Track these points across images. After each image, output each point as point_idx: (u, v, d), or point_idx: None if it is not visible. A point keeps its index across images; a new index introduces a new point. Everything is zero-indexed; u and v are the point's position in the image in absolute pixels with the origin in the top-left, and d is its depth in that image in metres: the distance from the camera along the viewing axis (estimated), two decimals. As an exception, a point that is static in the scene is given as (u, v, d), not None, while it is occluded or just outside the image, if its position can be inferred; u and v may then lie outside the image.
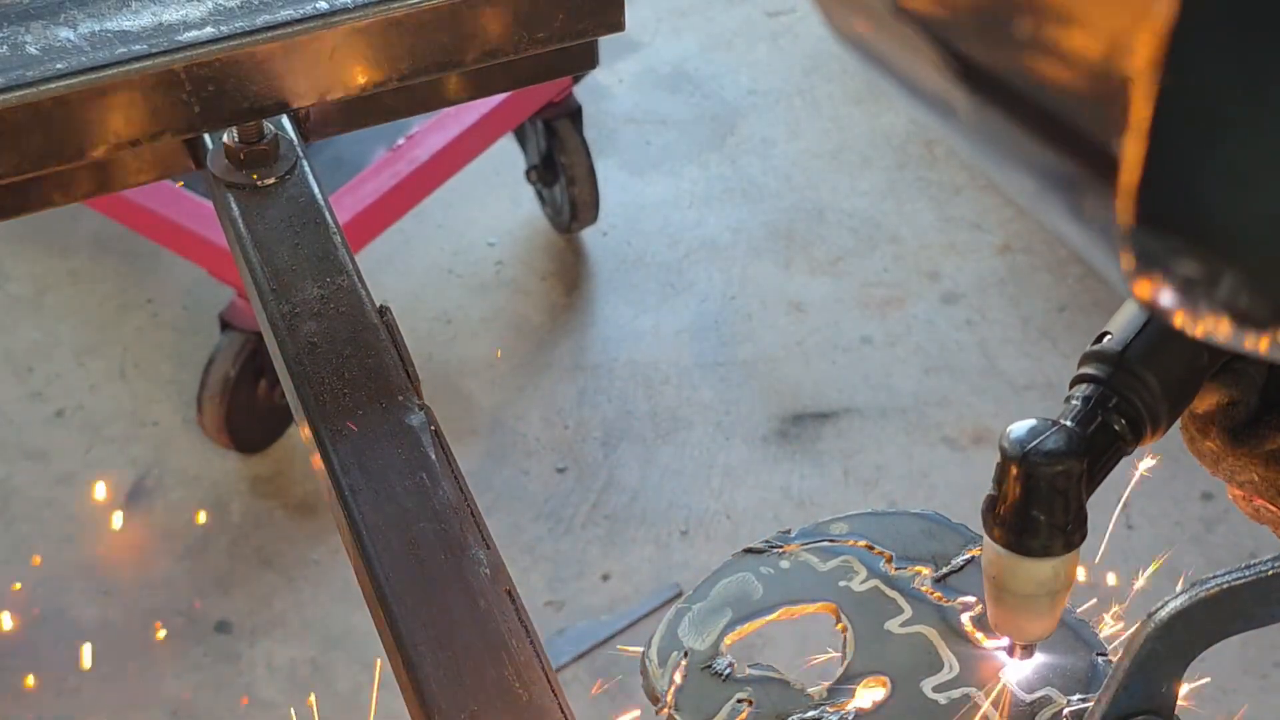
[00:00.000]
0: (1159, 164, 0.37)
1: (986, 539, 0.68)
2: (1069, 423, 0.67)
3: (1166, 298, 0.40)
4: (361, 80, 1.01)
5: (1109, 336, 0.69)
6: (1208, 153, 0.37)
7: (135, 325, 2.42)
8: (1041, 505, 0.65)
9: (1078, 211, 0.40)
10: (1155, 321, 0.67)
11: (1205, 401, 0.72)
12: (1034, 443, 0.65)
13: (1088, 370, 0.69)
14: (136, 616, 2.04)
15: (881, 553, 0.85)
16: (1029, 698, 0.77)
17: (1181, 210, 0.38)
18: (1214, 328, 0.40)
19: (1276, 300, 0.40)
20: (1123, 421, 0.67)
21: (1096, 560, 2.04)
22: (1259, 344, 0.41)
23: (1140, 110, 0.36)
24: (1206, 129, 0.37)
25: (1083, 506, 0.66)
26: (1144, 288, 0.40)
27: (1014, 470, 0.65)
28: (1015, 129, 0.41)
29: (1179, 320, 0.41)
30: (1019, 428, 0.66)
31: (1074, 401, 0.68)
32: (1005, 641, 0.78)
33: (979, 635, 0.80)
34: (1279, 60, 0.35)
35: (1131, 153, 0.37)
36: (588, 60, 1.14)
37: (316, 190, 1.07)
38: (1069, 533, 0.66)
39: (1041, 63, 0.38)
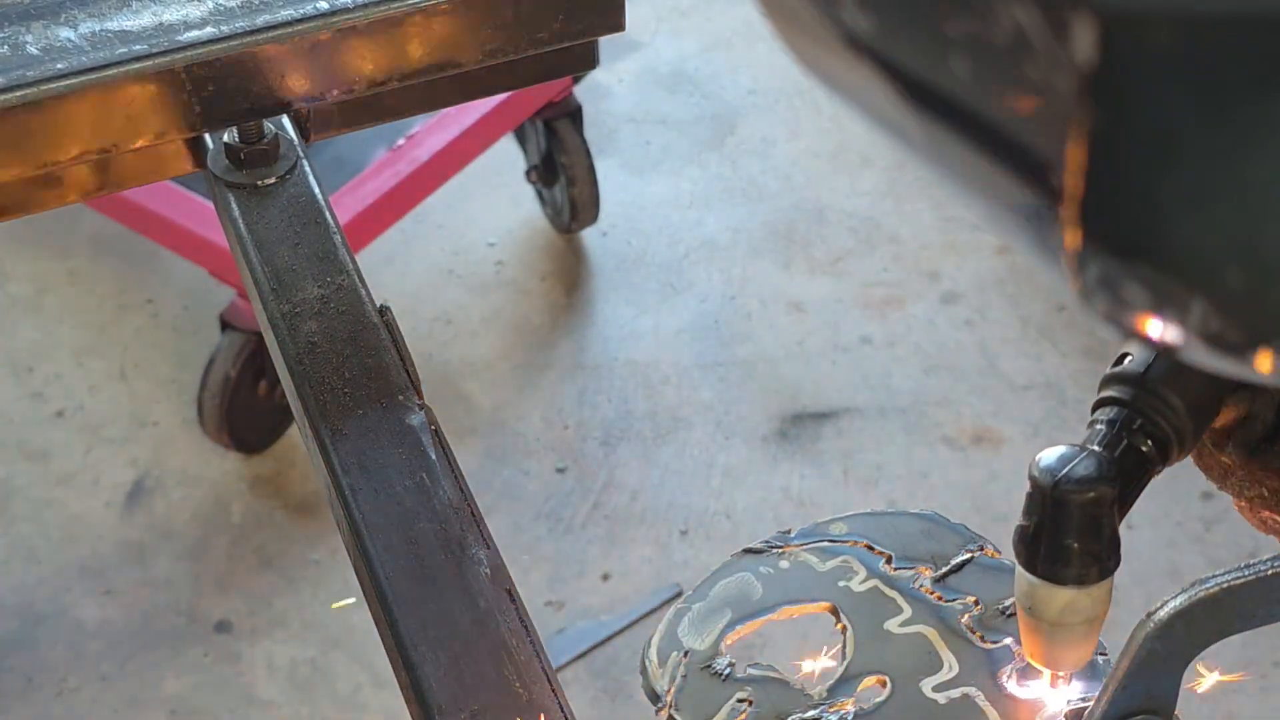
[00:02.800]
0: (1107, 186, 0.37)
1: (1020, 569, 0.67)
2: (1096, 447, 0.66)
3: (1129, 322, 0.40)
4: (361, 80, 1.01)
5: (1129, 358, 0.68)
6: (1160, 176, 0.37)
7: (135, 325, 2.42)
8: (1075, 533, 0.65)
9: (1031, 235, 0.41)
10: None
11: (1222, 417, 0.72)
12: (1065, 470, 0.64)
13: (1110, 393, 0.68)
14: (136, 616, 2.04)
15: (881, 553, 0.85)
16: (1028, 697, 0.77)
17: (1134, 234, 0.39)
18: (1191, 352, 0.40)
19: (1249, 325, 0.39)
20: (1149, 443, 0.67)
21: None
22: (1240, 368, 0.41)
23: (1077, 132, 0.37)
24: (1157, 151, 0.37)
25: (1115, 532, 0.66)
26: (1098, 310, 0.40)
27: (1046, 499, 0.64)
28: (965, 153, 0.42)
29: (1155, 345, 0.41)
30: (1048, 456, 0.65)
31: (1099, 426, 0.67)
32: (1004, 641, 0.78)
33: (978, 635, 0.80)
34: (1234, 84, 0.36)
35: (1073, 175, 0.37)
36: (588, 60, 1.14)
37: (317, 190, 1.07)
38: (1103, 560, 0.65)
39: (983, 88, 0.39)
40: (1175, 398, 0.67)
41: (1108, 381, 0.68)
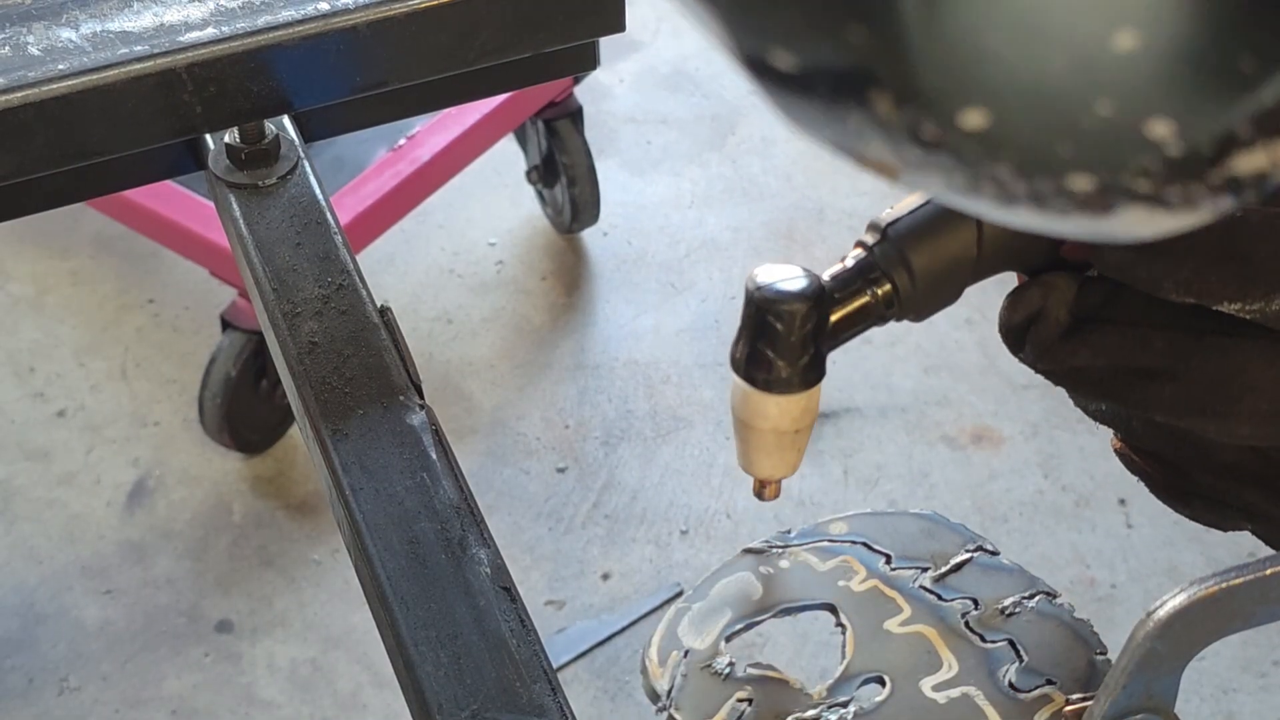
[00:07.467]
0: None
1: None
2: (826, 278, 0.70)
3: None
4: (362, 80, 1.02)
5: (889, 210, 0.72)
6: None
7: (136, 325, 2.42)
8: (767, 341, 0.68)
9: None
10: (929, 206, 0.70)
11: (1017, 313, 0.73)
12: (772, 283, 0.68)
13: (862, 237, 0.72)
14: (137, 616, 2.04)
15: (880, 552, 0.85)
16: (1028, 696, 0.77)
17: None
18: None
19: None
20: (877, 292, 0.70)
21: (1096, 559, 2.04)
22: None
23: None
24: None
25: (817, 353, 0.69)
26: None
27: (750, 304, 0.69)
28: None
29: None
30: (769, 269, 0.69)
31: (843, 262, 0.72)
32: (1003, 640, 0.79)
33: (977, 635, 0.80)
34: None
35: None
36: (588, 61, 1.15)
37: (318, 190, 1.08)
38: (795, 374, 0.69)
39: None
40: (914, 259, 0.70)
41: (868, 227, 0.72)
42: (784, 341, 0.68)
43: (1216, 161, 0.36)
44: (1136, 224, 0.39)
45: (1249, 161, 0.37)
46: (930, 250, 0.71)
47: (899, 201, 0.72)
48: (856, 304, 0.70)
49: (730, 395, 0.72)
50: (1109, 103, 0.35)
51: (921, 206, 0.71)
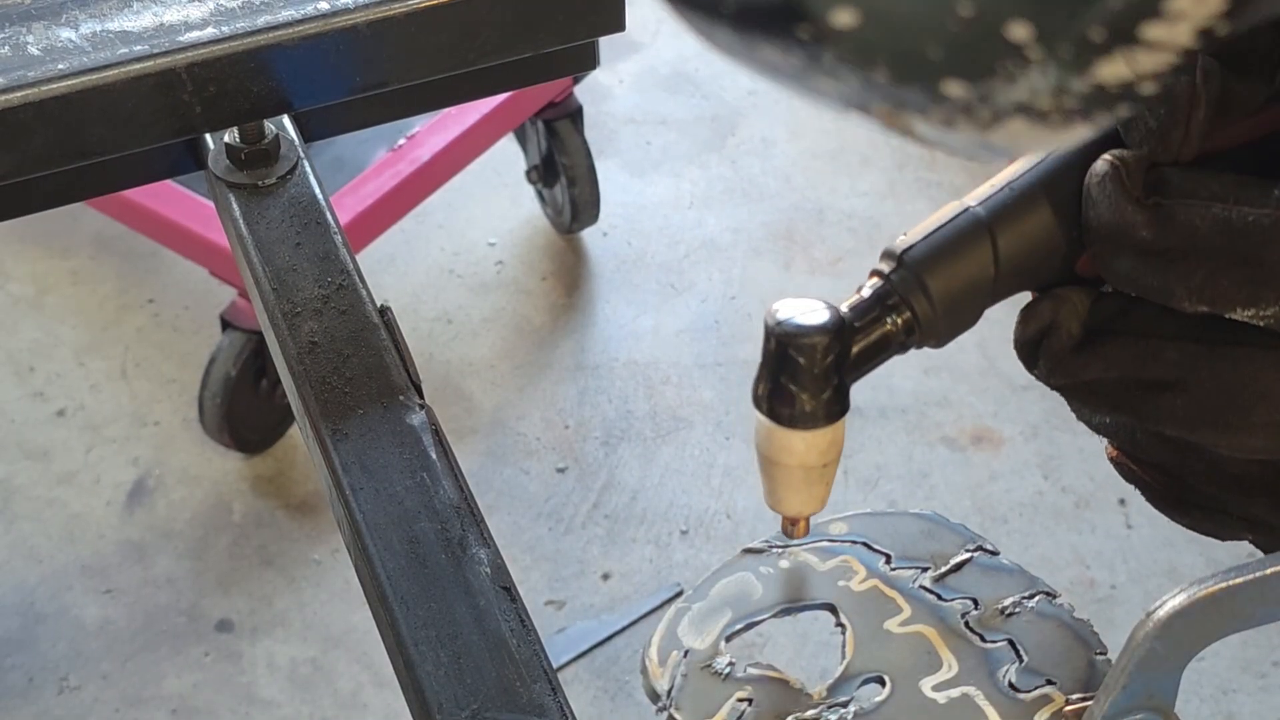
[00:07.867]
0: None
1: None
2: (845, 309, 0.70)
3: None
4: (362, 80, 1.02)
5: (902, 236, 0.71)
6: None
7: (136, 325, 2.42)
8: (790, 376, 0.68)
9: None
10: (944, 230, 0.70)
11: (1029, 328, 0.73)
12: (792, 318, 0.68)
13: (878, 266, 0.71)
14: (137, 616, 2.04)
15: (880, 552, 0.85)
16: (1028, 697, 0.77)
17: None
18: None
19: None
20: (897, 320, 0.70)
21: (1096, 560, 2.05)
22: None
23: None
24: None
25: (841, 385, 0.69)
26: None
27: (770, 339, 0.69)
28: None
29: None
30: (788, 304, 0.69)
31: (860, 292, 0.71)
32: (1003, 640, 0.79)
33: (977, 635, 0.80)
34: None
35: None
36: (588, 61, 1.14)
37: (318, 190, 1.07)
38: (821, 407, 0.68)
39: None
40: (932, 284, 0.70)
41: (882, 255, 0.71)
42: (807, 375, 0.68)
43: (1079, 69, 0.38)
44: (1022, 138, 0.40)
45: (1111, 70, 0.38)
46: (947, 273, 0.70)
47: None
48: (877, 333, 0.70)
49: (754, 434, 0.72)
50: (968, 4, 0.36)
51: (936, 231, 0.71)
